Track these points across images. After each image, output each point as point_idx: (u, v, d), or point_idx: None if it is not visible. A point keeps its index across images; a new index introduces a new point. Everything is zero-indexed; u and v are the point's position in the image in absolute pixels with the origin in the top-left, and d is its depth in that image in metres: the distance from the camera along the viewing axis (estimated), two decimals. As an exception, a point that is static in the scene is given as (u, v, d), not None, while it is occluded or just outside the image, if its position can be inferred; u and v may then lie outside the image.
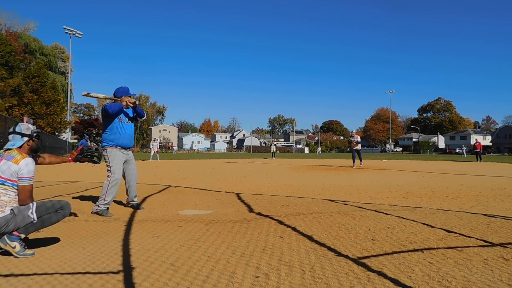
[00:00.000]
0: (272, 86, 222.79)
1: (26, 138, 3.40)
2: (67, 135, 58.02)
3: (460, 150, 54.08)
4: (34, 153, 3.59)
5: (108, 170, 5.12)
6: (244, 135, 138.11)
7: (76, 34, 54.47)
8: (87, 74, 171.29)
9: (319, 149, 70.90)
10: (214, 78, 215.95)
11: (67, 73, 63.27)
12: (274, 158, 32.25)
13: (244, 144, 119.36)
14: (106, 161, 5.13)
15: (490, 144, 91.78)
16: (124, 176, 5.37)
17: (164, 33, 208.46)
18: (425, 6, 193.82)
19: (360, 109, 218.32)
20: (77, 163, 4.49)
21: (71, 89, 60.64)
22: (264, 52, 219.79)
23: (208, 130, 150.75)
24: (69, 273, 2.63)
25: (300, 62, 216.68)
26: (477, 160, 27.54)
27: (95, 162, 4.48)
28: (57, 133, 42.30)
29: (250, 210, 5.46)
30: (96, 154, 4.46)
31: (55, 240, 3.59)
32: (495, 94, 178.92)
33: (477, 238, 3.69)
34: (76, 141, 58.14)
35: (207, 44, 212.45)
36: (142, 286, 2.39)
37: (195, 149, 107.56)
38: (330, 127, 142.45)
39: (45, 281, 2.48)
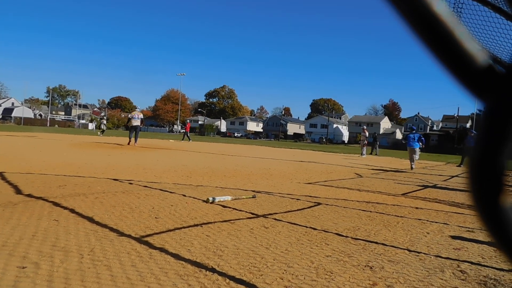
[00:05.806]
0: (53, 52, 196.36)
1: None
2: None
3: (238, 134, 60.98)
4: None
5: None
6: (13, 104, 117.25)
7: None
8: None
9: (101, 127, 65.96)
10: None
11: None
12: (101, 135, 27.27)
13: (12, 115, 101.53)
14: None
15: (262, 130, 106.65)
16: None
17: None
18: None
19: (151, 87, 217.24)
20: None
21: None
22: (39, 13, 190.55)
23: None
24: None
25: (85, 27, 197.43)
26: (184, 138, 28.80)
27: None
28: None
29: (18, 191, 4.71)
30: None
31: None
32: (268, 87, 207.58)
33: (246, 211, 4.27)
34: None
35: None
36: None
37: None
38: (118, 103, 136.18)
39: None
